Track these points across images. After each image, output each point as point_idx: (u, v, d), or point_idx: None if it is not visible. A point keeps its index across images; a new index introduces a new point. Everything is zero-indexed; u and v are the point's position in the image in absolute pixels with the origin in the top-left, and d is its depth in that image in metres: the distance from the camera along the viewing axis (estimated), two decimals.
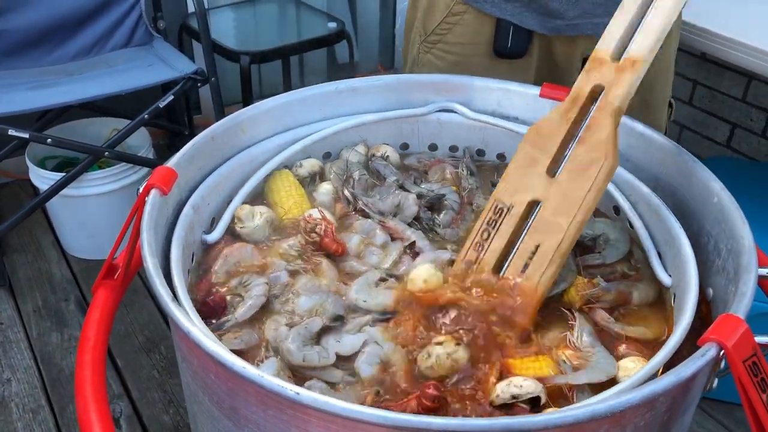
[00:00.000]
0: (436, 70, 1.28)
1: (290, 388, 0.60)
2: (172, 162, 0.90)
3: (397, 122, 1.13)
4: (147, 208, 0.82)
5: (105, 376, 0.81)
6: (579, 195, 0.83)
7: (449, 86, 1.12)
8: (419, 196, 1.02)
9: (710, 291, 0.85)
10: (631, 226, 0.97)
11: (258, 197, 1.04)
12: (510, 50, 1.21)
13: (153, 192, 0.84)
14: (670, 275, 0.89)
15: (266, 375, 0.61)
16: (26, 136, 2.02)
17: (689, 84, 2.76)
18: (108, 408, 0.77)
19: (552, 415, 0.59)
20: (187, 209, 0.91)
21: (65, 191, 2.19)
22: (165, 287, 0.72)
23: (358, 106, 1.11)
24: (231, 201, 1.00)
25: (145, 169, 2.32)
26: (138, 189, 0.91)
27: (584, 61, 1.13)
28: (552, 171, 0.87)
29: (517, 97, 1.10)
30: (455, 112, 1.13)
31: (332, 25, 2.66)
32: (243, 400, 0.67)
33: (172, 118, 2.80)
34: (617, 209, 1.01)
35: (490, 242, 0.87)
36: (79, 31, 2.47)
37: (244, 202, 1.00)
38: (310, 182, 1.07)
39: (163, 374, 1.97)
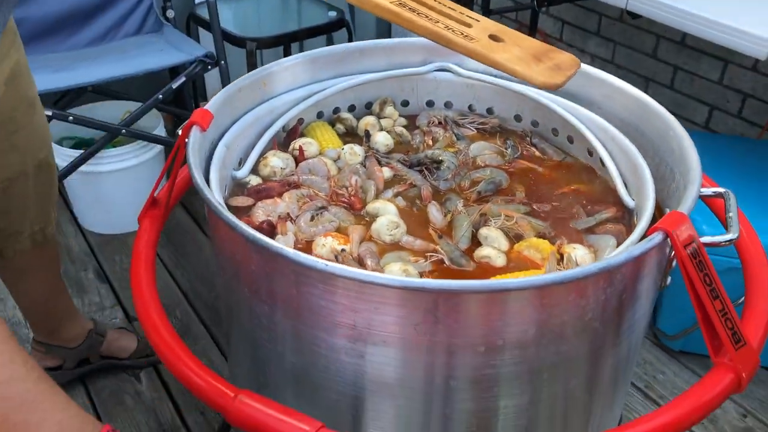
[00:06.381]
0: None
1: (321, 262, 0.75)
2: (207, 105, 1.05)
3: (399, 80, 1.28)
4: (190, 140, 0.97)
5: (155, 280, 0.96)
6: None
7: (445, 48, 1.27)
8: (419, 163, 1.16)
9: (667, 211, 1.00)
10: (603, 164, 1.12)
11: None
12: None
13: (194, 128, 0.99)
14: (633, 200, 1.04)
15: (301, 253, 0.76)
16: (50, 113, 2.16)
17: (670, 68, 2.92)
18: (160, 302, 0.92)
19: (529, 278, 0.74)
20: (220, 147, 1.06)
21: (83, 168, 2.33)
22: (212, 193, 0.87)
23: (365, 65, 1.26)
24: (254, 146, 1.15)
25: (159, 147, 2.46)
26: (177, 131, 1.05)
27: None
28: None
29: None
30: (450, 72, 1.28)
31: (332, 13, 2.82)
32: (279, 281, 0.81)
33: (179, 104, 2.95)
34: (591, 152, 1.17)
35: None
36: (93, 19, 2.61)
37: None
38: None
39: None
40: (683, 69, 2.87)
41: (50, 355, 1.94)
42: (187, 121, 1.01)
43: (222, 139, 1.07)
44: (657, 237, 0.80)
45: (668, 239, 0.80)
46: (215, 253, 0.99)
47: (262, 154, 1.14)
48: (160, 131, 2.47)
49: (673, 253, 0.82)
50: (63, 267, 2.37)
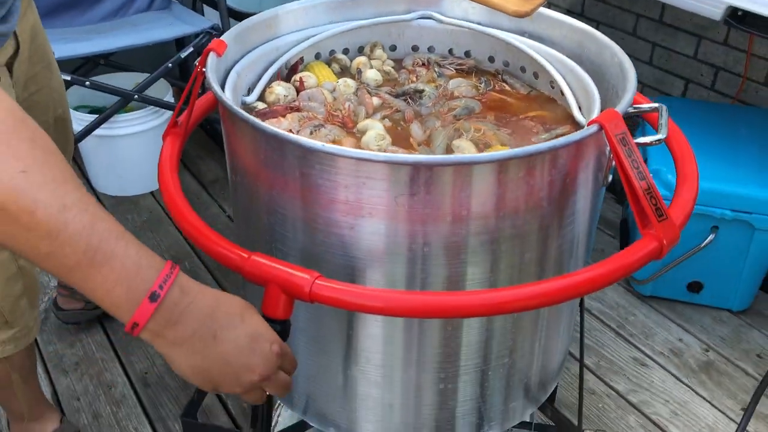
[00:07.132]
0: None
1: (321, 143, 0.92)
2: (222, 37, 1.22)
3: (387, 26, 1.46)
4: (208, 62, 1.14)
5: (178, 180, 1.14)
6: None
7: None
8: (404, 93, 1.35)
9: None
10: (563, 94, 1.30)
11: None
12: None
13: (211, 53, 1.17)
14: (585, 118, 1.22)
15: (302, 137, 0.93)
16: (68, 78, 2.33)
17: (649, 45, 3.10)
18: (183, 194, 1.10)
19: (487, 154, 0.91)
20: (232, 74, 1.24)
21: (98, 132, 2.51)
22: (228, 97, 1.04)
23: (358, 13, 1.44)
24: (261, 77, 1.33)
25: (168, 113, 2.64)
26: (194, 63, 1.23)
27: None
28: None
29: (479, 6, 1.43)
30: (433, 19, 1.46)
31: None
32: (285, 166, 0.99)
33: (185, 78, 3.13)
34: (553, 84, 1.35)
35: None
36: None
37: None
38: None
39: None
40: (661, 45, 3.05)
41: (74, 298, 2.12)
42: (205, 49, 1.18)
43: (234, 68, 1.25)
44: (593, 128, 0.97)
45: (602, 130, 0.98)
46: (228, 156, 1.17)
47: (268, 85, 1.32)
48: (170, 98, 2.65)
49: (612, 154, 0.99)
50: None
